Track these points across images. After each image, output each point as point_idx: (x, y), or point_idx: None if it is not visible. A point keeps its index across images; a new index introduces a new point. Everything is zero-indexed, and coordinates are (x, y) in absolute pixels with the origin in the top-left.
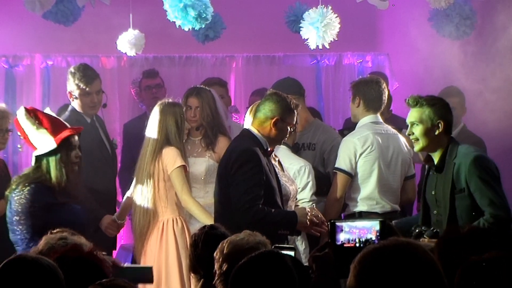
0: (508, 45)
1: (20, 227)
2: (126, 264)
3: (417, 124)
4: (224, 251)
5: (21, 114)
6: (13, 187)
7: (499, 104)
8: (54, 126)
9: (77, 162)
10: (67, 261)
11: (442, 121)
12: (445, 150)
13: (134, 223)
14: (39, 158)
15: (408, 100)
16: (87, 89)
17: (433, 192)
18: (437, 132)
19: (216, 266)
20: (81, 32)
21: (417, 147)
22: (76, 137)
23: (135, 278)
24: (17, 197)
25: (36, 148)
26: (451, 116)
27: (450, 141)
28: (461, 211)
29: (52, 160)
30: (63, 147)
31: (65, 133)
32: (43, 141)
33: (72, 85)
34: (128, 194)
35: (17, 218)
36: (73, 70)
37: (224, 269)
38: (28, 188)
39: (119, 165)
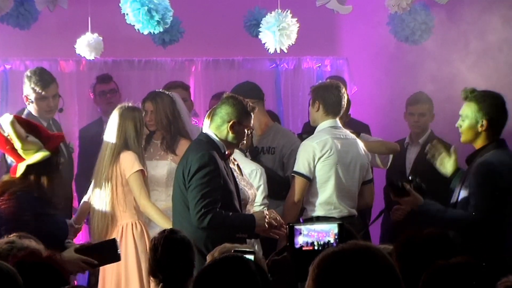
0: (474, 49)
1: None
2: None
3: (463, 119)
4: (214, 254)
5: (8, 123)
6: None
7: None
8: (43, 133)
9: (61, 169)
10: (26, 266)
11: (486, 119)
12: (479, 149)
13: (92, 227)
14: (29, 167)
15: (462, 92)
16: (43, 93)
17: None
18: (480, 130)
19: None
20: (39, 35)
21: (461, 138)
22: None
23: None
24: (4, 205)
25: (21, 158)
26: (501, 115)
27: (490, 144)
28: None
29: (45, 168)
30: (54, 155)
31: (56, 140)
32: (35, 150)
33: (28, 89)
34: (85, 198)
35: (5, 227)
36: (29, 74)
37: None
38: (16, 196)
39: (75, 169)
